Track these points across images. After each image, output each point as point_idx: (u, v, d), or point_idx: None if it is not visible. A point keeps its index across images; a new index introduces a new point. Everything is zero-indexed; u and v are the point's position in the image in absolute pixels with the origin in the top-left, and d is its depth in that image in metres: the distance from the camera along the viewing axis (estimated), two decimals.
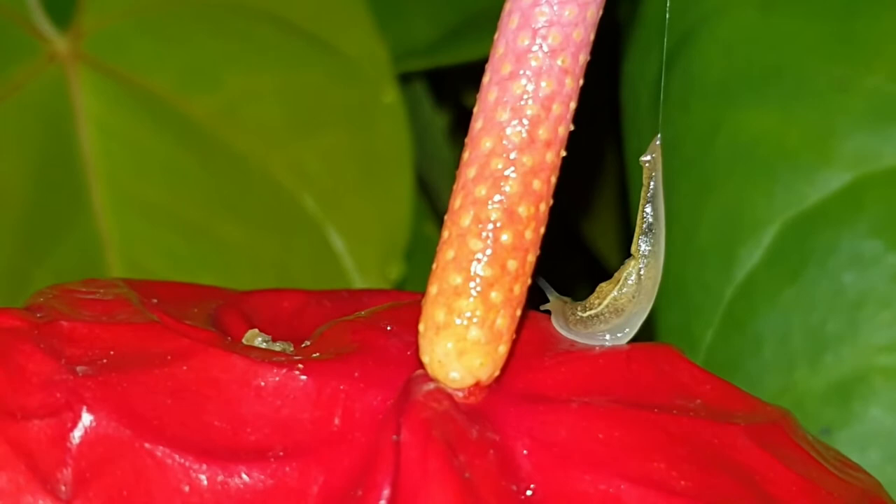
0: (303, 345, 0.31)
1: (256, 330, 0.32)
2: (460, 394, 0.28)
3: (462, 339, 0.28)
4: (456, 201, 0.29)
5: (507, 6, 0.29)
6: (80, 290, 0.31)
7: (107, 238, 0.60)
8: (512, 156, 0.29)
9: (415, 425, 0.27)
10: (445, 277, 0.28)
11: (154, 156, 0.61)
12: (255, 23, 0.64)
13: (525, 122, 0.28)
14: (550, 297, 0.31)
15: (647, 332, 0.50)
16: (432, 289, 0.29)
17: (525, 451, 0.28)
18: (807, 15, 0.50)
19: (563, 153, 0.29)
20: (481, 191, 0.29)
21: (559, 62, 0.29)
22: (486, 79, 0.29)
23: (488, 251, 0.28)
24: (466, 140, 0.29)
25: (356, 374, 0.29)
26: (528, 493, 0.27)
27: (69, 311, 0.29)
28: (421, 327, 0.29)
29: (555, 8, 0.28)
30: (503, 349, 0.29)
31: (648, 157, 0.30)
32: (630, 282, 0.30)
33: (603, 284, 0.31)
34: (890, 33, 0.49)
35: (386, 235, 0.63)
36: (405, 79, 0.68)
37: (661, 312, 0.50)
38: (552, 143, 0.29)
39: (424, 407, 0.27)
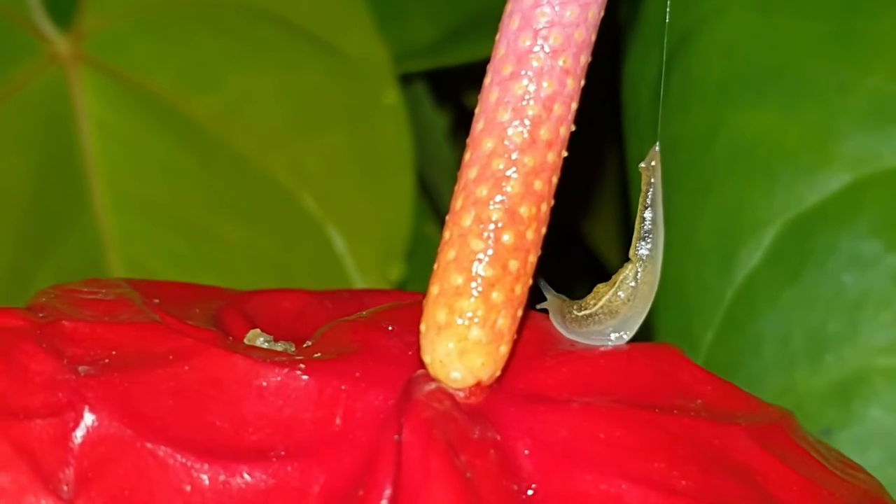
0: (304, 345, 0.31)
1: (258, 330, 0.32)
2: (461, 394, 0.28)
3: (463, 339, 0.28)
4: (457, 202, 0.29)
5: (509, 7, 0.29)
6: (82, 290, 0.31)
7: (107, 238, 0.60)
8: (513, 156, 0.29)
9: (416, 425, 0.27)
10: (447, 277, 0.29)
11: (155, 156, 0.61)
12: (255, 23, 0.64)
13: (526, 122, 0.29)
14: (548, 296, 0.31)
15: (647, 333, 0.50)
16: (433, 289, 0.29)
17: (526, 451, 0.28)
18: (806, 15, 0.50)
19: (565, 153, 0.29)
20: (483, 191, 0.29)
21: (560, 63, 0.29)
22: (487, 80, 0.29)
23: (490, 251, 0.28)
24: (468, 141, 0.29)
25: (357, 374, 0.29)
26: (529, 492, 0.27)
27: (71, 311, 0.29)
28: (422, 327, 0.29)
29: (556, 9, 0.28)
30: (504, 349, 0.29)
31: (647, 164, 0.30)
32: (627, 285, 0.30)
33: (600, 285, 0.31)
34: (889, 34, 0.49)
35: (386, 236, 0.63)
36: (406, 79, 0.68)
37: (662, 313, 0.50)
38: (553, 144, 0.29)
39: (426, 407, 0.28)
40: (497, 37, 0.29)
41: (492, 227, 0.28)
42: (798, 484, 0.29)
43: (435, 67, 0.69)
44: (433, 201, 0.70)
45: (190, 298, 0.34)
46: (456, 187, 0.29)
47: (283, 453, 0.27)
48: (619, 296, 0.30)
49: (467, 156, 0.29)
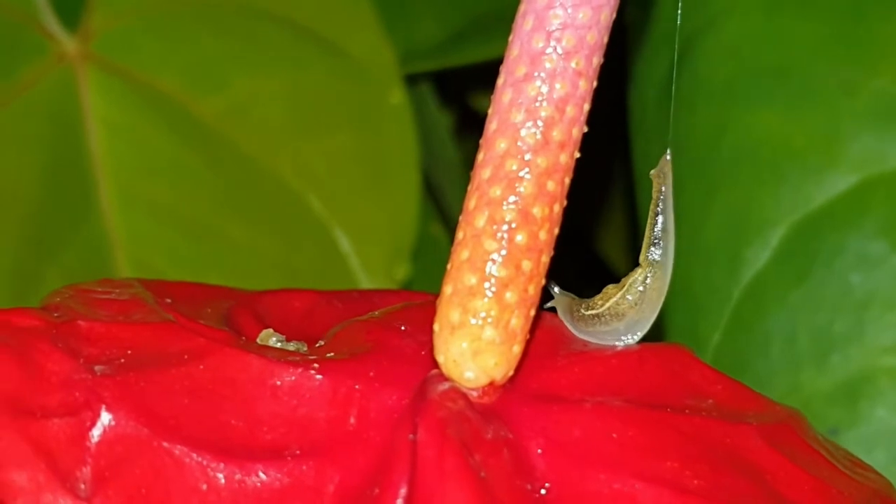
0: (317, 344, 0.31)
1: (271, 330, 0.32)
2: (475, 393, 0.29)
3: (477, 338, 0.28)
4: (471, 202, 0.29)
5: (522, 8, 0.29)
6: (95, 290, 0.31)
7: (114, 237, 0.60)
8: (526, 157, 0.29)
9: (431, 424, 0.27)
10: (460, 278, 0.29)
11: (161, 156, 0.61)
12: (262, 24, 0.64)
13: (539, 123, 0.29)
14: (555, 294, 0.31)
15: (654, 333, 0.51)
16: (447, 289, 0.29)
17: (539, 451, 0.28)
18: (813, 17, 0.51)
19: (577, 154, 0.29)
20: (496, 192, 0.29)
21: (573, 64, 0.29)
22: (500, 80, 0.29)
23: (503, 252, 0.29)
24: (481, 141, 0.29)
25: (371, 374, 0.29)
26: (543, 491, 0.28)
27: (86, 310, 0.30)
28: (436, 327, 0.29)
29: (569, 10, 0.29)
30: (517, 349, 0.29)
31: (658, 171, 0.31)
32: (635, 289, 0.30)
33: (610, 287, 0.31)
34: (895, 35, 0.49)
35: (392, 236, 0.63)
36: (411, 80, 0.68)
37: (669, 313, 0.50)
38: (566, 145, 0.29)
39: (440, 406, 0.28)
40: (510, 37, 0.29)
41: (505, 227, 0.29)
42: (808, 483, 0.29)
43: (440, 68, 0.69)
44: (438, 201, 0.70)
45: (201, 298, 0.34)
46: (469, 187, 0.29)
47: (297, 452, 0.27)
48: (627, 299, 0.30)
49: (480, 156, 0.29)
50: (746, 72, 0.51)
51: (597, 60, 0.29)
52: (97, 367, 0.28)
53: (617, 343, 0.31)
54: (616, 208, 0.75)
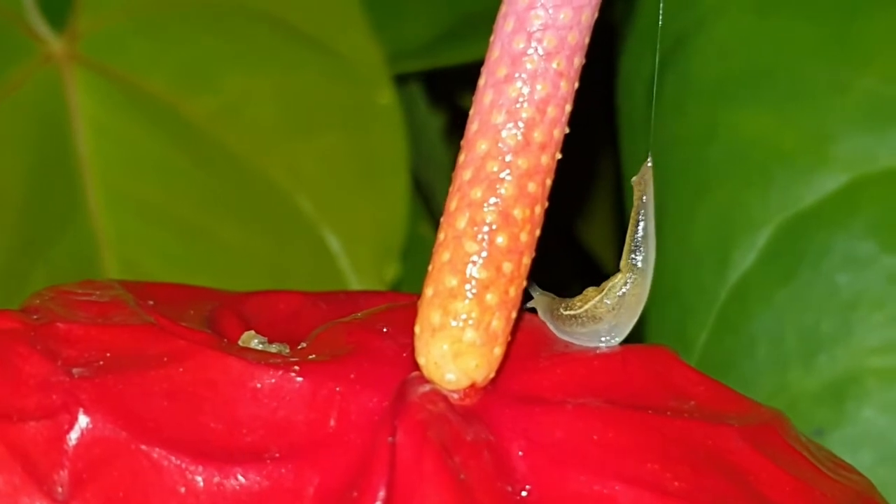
0: (299, 346, 0.31)
1: (253, 332, 0.32)
2: (456, 395, 0.28)
3: (458, 340, 0.28)
4: (452, 203, 0.29)
5: (503, 9, 0.29)
6: (76, 292, 0.31)
7: (102, 238, 0.60)
8: (507, 158, 0.29)
9: (410, 427, 0.27)
10: (441, 279, 0.29)
11: (149, 156, 0.61)
12: (250, 24, 0.64)
13: (520, 124, 0.29)
14: (535, 294, 0.31)
15: (641, 333, 0.51)
16: (428, 291, 0.29)
17: (520, 453, 0.28)
18: (802, 17, 0.51)
19: (559, 155, 0.29)
20: (477, 193, 0.29)
21: (554, 65, 0.29)
22: (481, 81, 0.29)
23: (484, 253, 0.28)
24: (462, 142, 0.29)
25: (352, 376, 0.29)
26: (524, 493, 0.27)
27: (65, 312, 0.29)
28: (417, 329, 0.29)
29: (550, 11, 0.29)
30: (499, 351, 0.29)
31: (640, 179, 0.31)
32: (614, 294, 0.30)
33: (590, 289, 0.31)
34: (885, 35, 0.49)
35: (382, 236, 0.63)
36: (401, 80, 0.68)
37: (656, 313, 0.50)
38: (547, 146, 0.29)
39: (420, 409, 0.28)
40: (491, 38, 0.29)
41: (486, 229, 0.28)
42: (790, 484, 0.29)
43: (430, 68, 0.69)
44: (428, 202, 0.70)
45: (184, 300, 0.34)
46: (450, 189, 0.29)
47: (277, 455, 0.27)
48: (605, 303, 0.30)
49: (462, 157, 0.29)
50: (736, 71, 0.51)
51: (578, 61, 0.29)
52: (75, 370, 0.27)
53: (597, 345, 0.31)
54: (604, 208, 0.75)
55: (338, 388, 0.28)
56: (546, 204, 0.29)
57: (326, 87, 0.64)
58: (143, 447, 0.27)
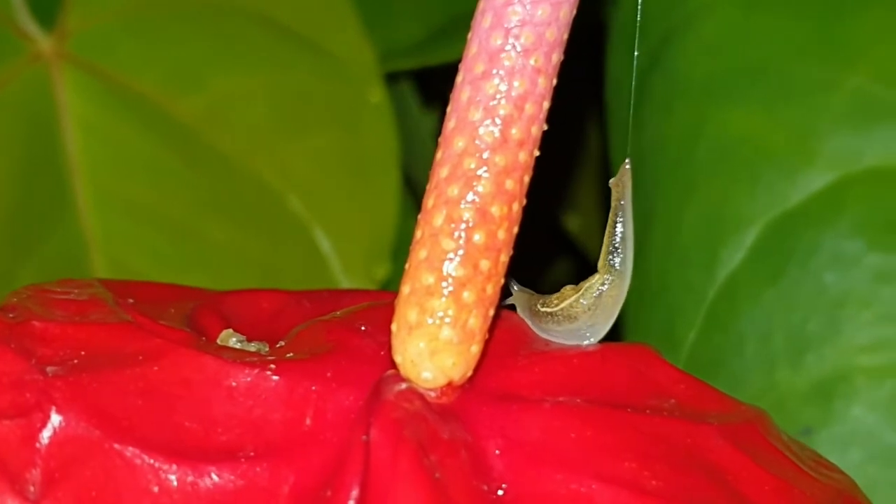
0: (278, 345, 0.31)
1: (231, 330, 0.31)
2: (433, 394, 0.28)
3: (434, 338, 0.28)
4: (429, 201, 0.29)
5: (481, 5, 0.29)
6: (54, 291, 0.31)
7: (91, 237, 0.60)
8: (485, 155, 0.28)
9: (386, 425, 0.27)
10: (418, 277, 0.28)
11: (138, 155, 0.61)
12: (241, 23, 0.63)
13: (498, 121, 0.28)
14: (514, 290, 0.31)
15: (629, 331, 0.50)
16: (405, 288, 0.29)
17: (497, 451, 0.28)
18: (790, 15, 0.50)
19: (537, 153, 0.29)
20: (454, 190, 0.29)
21: (532, 62, 0.29)
22: (459, 78, 0.29)
23: (460, 251, 0.28)
24: (440, 139, 0.29)
25: (328, 375, 0.28)
26: (500, 492, 0.27)
27: (42, 311, 0.29)
28: (394, 327, 0.29)
29: (527, 7, 0.28)
30: (476, 349, 0.29)
31: (618, 181, 0.30)
32: (590, 294, 0.30)
33: (567, 288, 0.31)
34: (872, 34, 0.49)
35: (372, 235, 0.63)
36: (392, 78, 0.68)
37: (644, 312, 0.50)
38: (525, 143, 0.29)
39: (395, 407, 0.27)
40: (469, 35, 0.29)
41: (463, 226, 0.28)
42: (769, 483, 0.29)
43: (421, 66, 0.69)
44: (419, 200, 0.70)
45: (167, 299, 0.34)
46: (428, 186, 0.29)
47: (252, 454, 0.27)
48: (582, 303, 0.30)
49: (439, 154, 0.29)
50: (724, 70, 0.51)
51: (556, 57, 0.29)
52: (50, 368, 0.27)
53: (576, 343, 0.30)
54: (597, 203, 0.75)
55: (314, 387, 0.28)
56: (524, 201, 0.29)
57: (317, 86, 0.64)
58: (116, 446, 0.26)
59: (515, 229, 0.29)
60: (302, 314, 0.34)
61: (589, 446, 0.28)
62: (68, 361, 0.28)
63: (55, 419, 0.27)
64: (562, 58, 0.29)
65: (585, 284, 0.30)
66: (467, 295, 0.28)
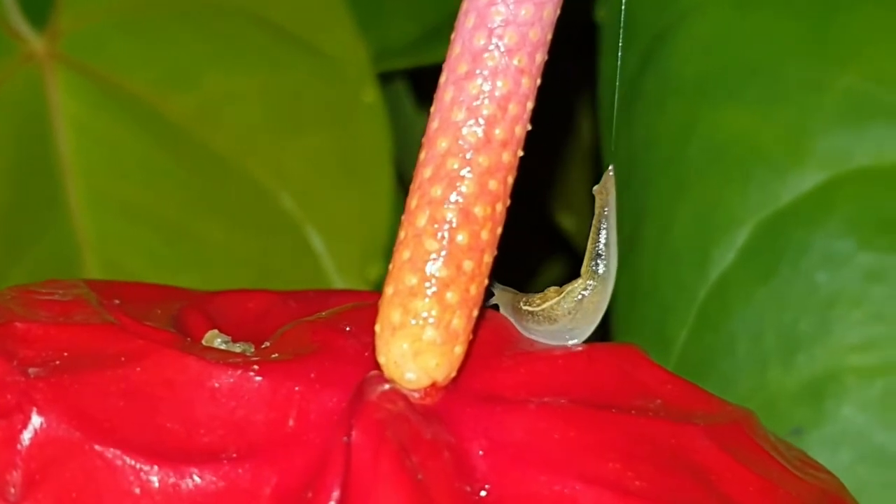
0: (263, 345, 0.31)
1: (216, 331, 0.31)
2: (416, 395, 0.28)
3: (417, 339, 0.28)
4: (412, 201, 0.29)
5: (464, 6, 0.29)
6: (39, 291, 0.31)
7: (83, 238, 0.60)
8: (468, 156, 0.28)
9: (368, 426, 0.27)
10: (401, 278, 0.28)
11: (131, 155, 0.61)
12: (234, 22, 0.63)
13: (481, 121, 0.28)
14: (496, 290, 0.31)
15: (619, 331, 0.50)
16: (388, 289, 0.29)
17: (481, 452, 0.28)
18: (783, 14, 0.50)
19: (521, 153, 0.29)
20: (437, 191, 0.28)
21: (515, 62, 0.28)
22: (442, 78, 0.29)
23: (443, 252, 0.28)
24: (423, 140, 0.29)
25: (312, 375, 0.28)
26: (483, 493, 0.27)
27: (25, 312, 0.29)
28: (377, 328, 0.29)
29: (511, 7, 0.28)
30: (459, 350, 0.29)
31: (601, 188, 0.30)
32: (572, 298, 0.30)
33: (551, 289, 0.31)
34: (864, 33, 0.49)
35: (366, 235, 0.63)
36: (386, 78, 0.68)
37: (635, 311, 0.50)
38: (508, 143, 0.29)
39: (378, 408, 0.27)
40: (452, 35, 0.29)
41: (446, 227, 0.28)
42: (754, 484, 0.29)
43: (415, 66, 0.69)
44: None
45: (154, 299, 0.34)
46: (411, 186, 0.29)
47: (234, 455, 0.27)
48: (563, 306, 0.30)
49: (422, 155, 0.29)
50: (716, 69, 0.51)
51: (540, 57, 0.29)
52: (31, 370, 0.27)
53: (560, 344, 0.30)
54: (589, 201, 0.75)
55: (297, 388, 0.28)
56: (508, 202, 0.29)
57: (310, 85, 0.64)
58: (98, 447, 0.26)
59: (499, 230, 0.29)
60: (288, 314, 0.34)
61: (573, 447, 0.28)
62: (50, 363, 0.28)
63: (36, 420, 0.27)
64: (546, 58, 0.29)
65: (567, 288, 0.30)
66: (451, 295, 0.28)
